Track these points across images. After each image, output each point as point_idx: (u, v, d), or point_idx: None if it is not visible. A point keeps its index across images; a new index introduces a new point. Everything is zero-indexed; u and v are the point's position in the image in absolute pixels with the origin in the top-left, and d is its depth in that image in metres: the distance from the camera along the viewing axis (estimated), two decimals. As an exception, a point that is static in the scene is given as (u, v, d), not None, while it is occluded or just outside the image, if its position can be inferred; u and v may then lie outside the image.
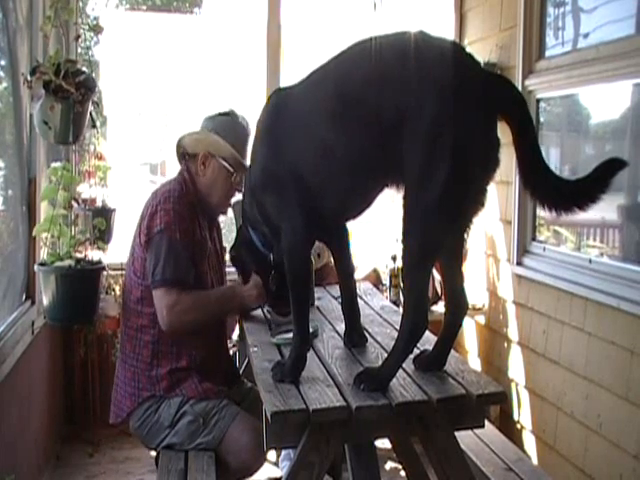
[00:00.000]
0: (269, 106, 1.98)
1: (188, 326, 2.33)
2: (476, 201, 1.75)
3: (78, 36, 2.78)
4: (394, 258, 3.66)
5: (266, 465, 2.54)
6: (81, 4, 3.02)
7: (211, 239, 2.53)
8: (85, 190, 3.27)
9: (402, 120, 1.65)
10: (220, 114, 2.53)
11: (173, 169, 2.65)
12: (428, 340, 1.95)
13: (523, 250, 3.31)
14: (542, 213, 3.32)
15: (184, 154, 2.52)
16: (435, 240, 1.71)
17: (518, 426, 3.33)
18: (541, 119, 3.28)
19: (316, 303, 2.60)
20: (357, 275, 3.24)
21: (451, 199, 1.66)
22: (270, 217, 1.96)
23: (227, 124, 2.49)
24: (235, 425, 2.31)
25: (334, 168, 1.79)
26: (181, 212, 2.34)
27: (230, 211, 3.86)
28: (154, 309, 2.35)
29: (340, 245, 2.11)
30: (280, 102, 1.94)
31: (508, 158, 3.66)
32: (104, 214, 3.08)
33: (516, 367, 3.36)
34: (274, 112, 1.93)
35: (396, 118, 1.66)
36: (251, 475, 2.38)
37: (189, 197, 2.41)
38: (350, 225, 2.12)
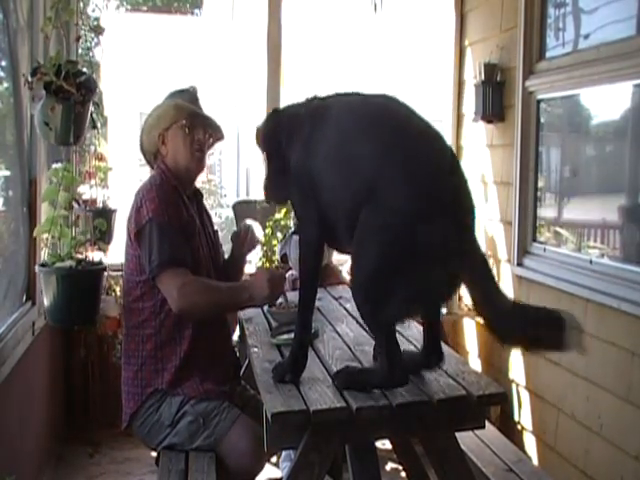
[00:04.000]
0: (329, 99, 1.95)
1: (199, 308, 2.30)
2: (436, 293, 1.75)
3: (79, 37, 2.79)
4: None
5: (266, 466, 2.54)
6: (82, 5, 3.02)
7: (200, 221, 2.52)
8: (86, 191, 3.27)
9: (362, 199, 1.71)
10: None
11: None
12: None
13: (523, 251, 3.31)
14: (543, 214, 3.33)
15: (152, 155, 2.53)
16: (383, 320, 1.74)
17: (519, 427, 3.33)
18: (542, 120, 3.28)
19: (317, 304, 2.60)
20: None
21: (378, 284, 1.70)
22: (293, 205, 2.00)
23: (169, 95, 2.52)
24: (235, 428, 2.30)
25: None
26: (165, 196, 2.34)
27: (231, 212, 3.88)
28: (154, 301, 2.34)
29: None
30: (328, 107, 1.92)
31: (508, 158, 3.67)
32: (105, 215, 3.09)
33: (516, 368, 3.36)
34: (323, 109, 1.91)
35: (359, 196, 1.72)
36: (251, 479, 2.38)
37: (170, 182, 2.42)
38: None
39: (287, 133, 1.95)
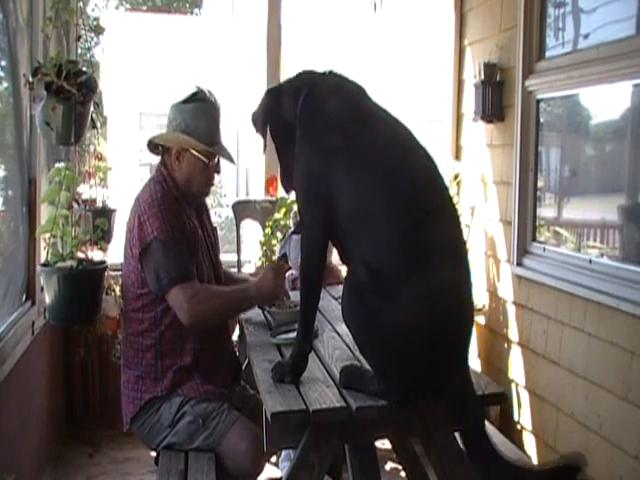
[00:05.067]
0: (354, 105, 1.88)
1: (209, 316, 2.31)
2: None
3: (79, 37, 2.78)
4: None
5: (266, 466, 2.54)
6: (82, 5, 3.02)
7: (202, 226, 2.52)
8: (85, 191, 3.27)
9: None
10: (185, 101, 2.46)
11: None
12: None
13: (523, 251, 3.31)
14: (542, 213, 3.33)
15: (157, 145, 2.50)
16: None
17: (518, 427, 3.33)
18: (541, 120, 3.28)
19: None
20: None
21: None
22: (297, 201, 1.95)
23: (195, 112, 2.42)
24: (234, 430, 2.30)
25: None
26: (168, 210, 2.33)
27: (231, 212, 3.88)
28: (155, 312, 2.34)
29: None
30: (364, 116, 1.86)
31: (508, 158, 3.67)
32: (104, 215, 3.09)
33: (516, 368, 3.36)
34: (353, 116, 1.85)
35: None
36: None
37: (172, 193, 2.40)
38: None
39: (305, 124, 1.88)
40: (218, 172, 2.53)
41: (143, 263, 2.31)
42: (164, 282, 2.26)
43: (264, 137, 2.02)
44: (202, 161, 2.43)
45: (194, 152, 2.42)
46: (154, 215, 2.31)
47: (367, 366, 1.82)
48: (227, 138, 2.58)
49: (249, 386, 2.58)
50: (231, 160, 2.53)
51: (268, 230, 3.55)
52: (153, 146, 2.51)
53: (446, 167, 3.99)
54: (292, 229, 3.17)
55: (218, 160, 2.50)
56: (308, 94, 1.89)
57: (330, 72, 1.96)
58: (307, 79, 1.95)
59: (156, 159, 2.55)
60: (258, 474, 2.36)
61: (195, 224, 2.46)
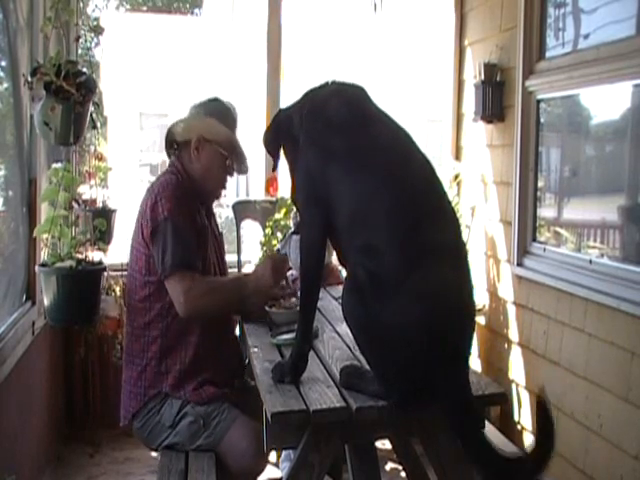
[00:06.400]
0: (354, 107, 1.88)
1: (206, 310, 2.33)
2: None
3: (78, 37, 2.79)
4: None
5: (267, 465, 2.54)
6: (81, 5, 3.02)
7: (210, 226, 2.53)
8: (86, 191, 3.27)
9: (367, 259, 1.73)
10: (209, 100, 2.54)
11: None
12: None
13: (523, 251, 3.31)
14: (542, 214, 3.33)
15: (173, 142, 2.51)
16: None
17: (518, 427, 3.33)
18: (541, 120, 3.28)
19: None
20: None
21: None
22: (296, 192, 1.95)
23: (219, 108, 2.51)
24: (235, 428, 2.30)
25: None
26: (181, 198, 2.34)
27: (231, 212, 3.87)
28: (162, 303, 2.34)
29: None
30: (365, 118, 1.86)
31: (508, 159, 3.67)
32: (104, 215, 3.09)
33: (516, 368, 3.36)
34: (356, 120, 1.85)
35: None
36: (253, 479, 2.38)
37: (185, 184, 2.42)
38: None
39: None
40: (231, 174, 2.53)
41: (152, 243, 2.31)
42: (167, 265, 2.27)
43: (275, 157, 2.04)
44: (221, 154, 2.45)
45: (215, 145, 2.43)
46: (167, 197, 2.31)
47: (367, 366, 1.82)
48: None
49: (249, 378, 2.58)
50: (246, 166, 2.56)
51: (268, 230, 3.55)
52: (170, 143, 2.52)
53: (446, 167, 3.99)
54: (292, 229, 3.17)
55: (234, 161, 2.51)
56: (311, 102, 1.93)
57: (332, 82, 1.98)
58: (310, 93, 1.99)
59: (156, 160, 2.56)
60: (260, 472, 2.36)
61: (204, 221, 2.46)
